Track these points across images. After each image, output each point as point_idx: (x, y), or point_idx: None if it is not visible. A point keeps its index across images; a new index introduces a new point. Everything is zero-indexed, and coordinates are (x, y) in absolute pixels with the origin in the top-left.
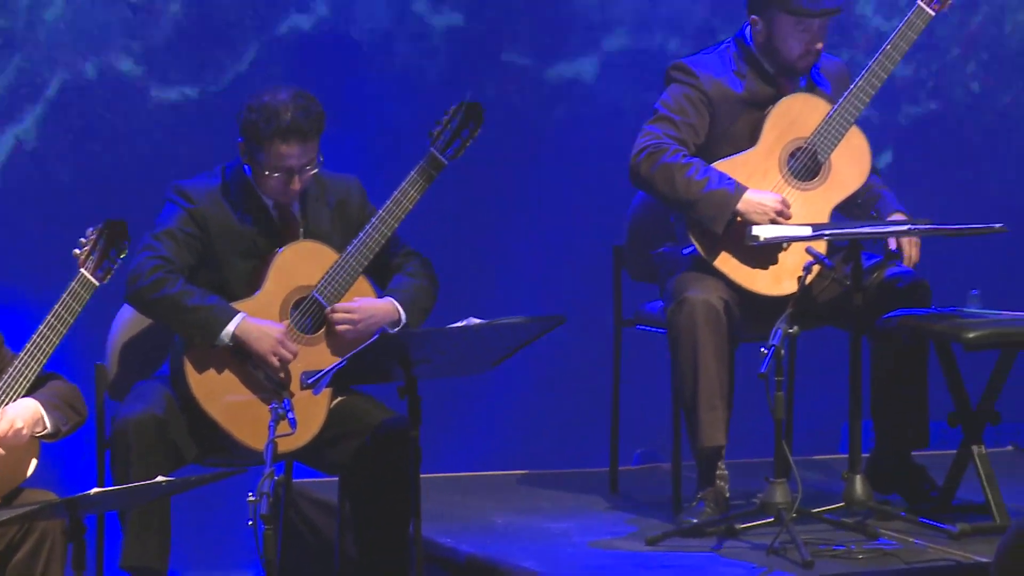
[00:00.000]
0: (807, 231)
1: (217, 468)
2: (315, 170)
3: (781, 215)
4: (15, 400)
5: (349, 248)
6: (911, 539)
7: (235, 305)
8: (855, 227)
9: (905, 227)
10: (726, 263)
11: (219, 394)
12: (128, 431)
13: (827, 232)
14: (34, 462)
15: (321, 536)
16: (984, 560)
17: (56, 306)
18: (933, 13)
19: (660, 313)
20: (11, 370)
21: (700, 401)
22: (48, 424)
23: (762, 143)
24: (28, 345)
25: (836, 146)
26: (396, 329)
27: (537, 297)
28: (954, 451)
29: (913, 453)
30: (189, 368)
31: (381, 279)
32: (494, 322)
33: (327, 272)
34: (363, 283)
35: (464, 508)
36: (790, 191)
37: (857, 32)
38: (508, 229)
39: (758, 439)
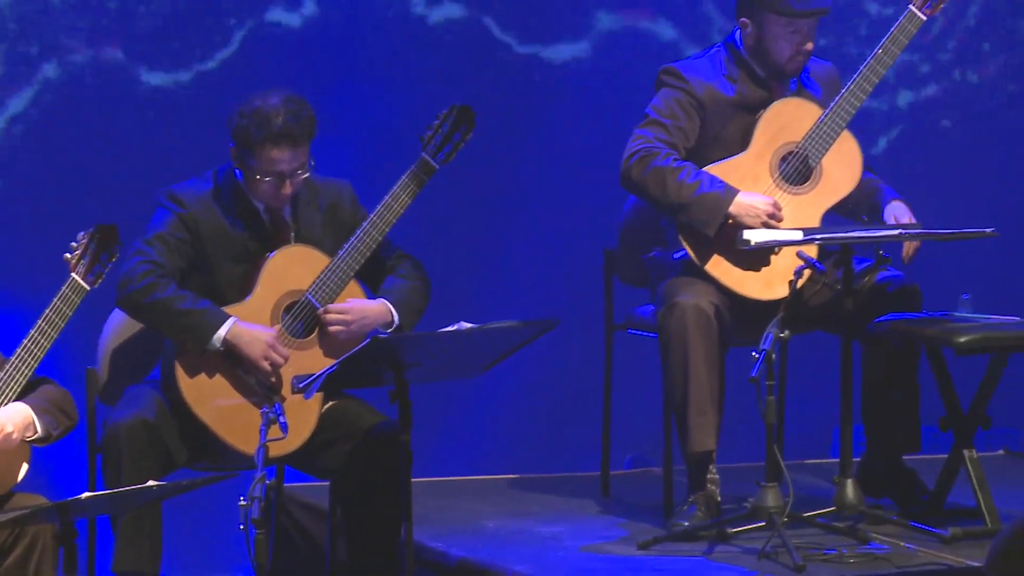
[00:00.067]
0: (798, 235)
1: (208, 472)
2: (306, 174)
3: (773, 217)
4: (6, 404)
5: (340, 252)
6: (902, 543)
7: (226, 309)
8: (846, 232)
9: (896, 231)
10: (717, 267)
11: (210, 398)
12: (119, 435)
13: (818, 236)
14: (25, 466)
15: (312, 540)
16: (976, 564)
17: (47, 310)
18: (924, 18)
19: (651, 317)
20: (2, 374)
21: (690, 405)
22: (39, 428)
23: (753, 147)
24: (19, 350)
25: (827, 150)
26: (389, 330)
27: (528, 301)
28: (945, 455)
29: (904, 457)
30: (180, 372)
31: (373, 282)
32: (485, 326)
33: (319, 275)
34: (354, 287)
35: (455, 512)
36: (781, 195)
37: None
38: (499, 233)
39: (749, 443)
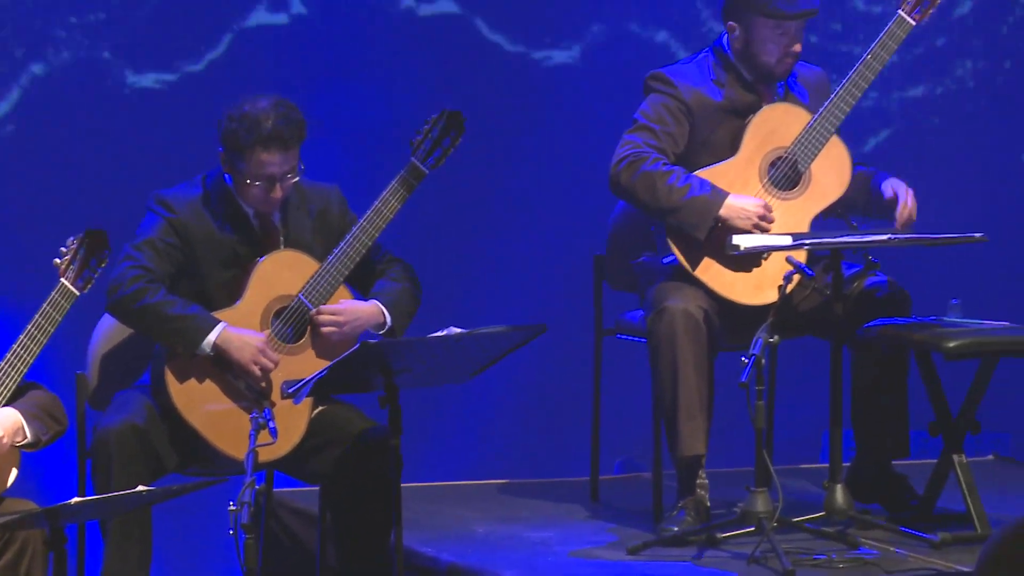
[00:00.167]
0: (787, 240)
1: (198, 478)
2: (296, 178)
3: (764, 219)
4: None
5: (330, 257)
6: (892, 548)
7: (216, 315)
8: (835, 237)
9: (886, 236)
10: (706, 272)
11: (200, 403)
12: (109, 441)
13: (807, 242)
14: (14, 472)
15: (302, 545)
16: (965, 569)
17: (36, 316)
18: (914, 23)
19: (640, 322)
20: None
21: (680, 410)
22: (28, 434)
23: (742, 152)
24: (8, 355)
25: (816, 155)
26: (381, 332)
27: (518, 306)
28: (935, 460)
29: (894, 462)
30: (170, 378)
31: (363, 286)
32: (475, 331)
33: (309, 279)
34: (344, 292)
35: (445, 517)
36: (770, 200)
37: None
38: (489, 238)
39: (739, 448)
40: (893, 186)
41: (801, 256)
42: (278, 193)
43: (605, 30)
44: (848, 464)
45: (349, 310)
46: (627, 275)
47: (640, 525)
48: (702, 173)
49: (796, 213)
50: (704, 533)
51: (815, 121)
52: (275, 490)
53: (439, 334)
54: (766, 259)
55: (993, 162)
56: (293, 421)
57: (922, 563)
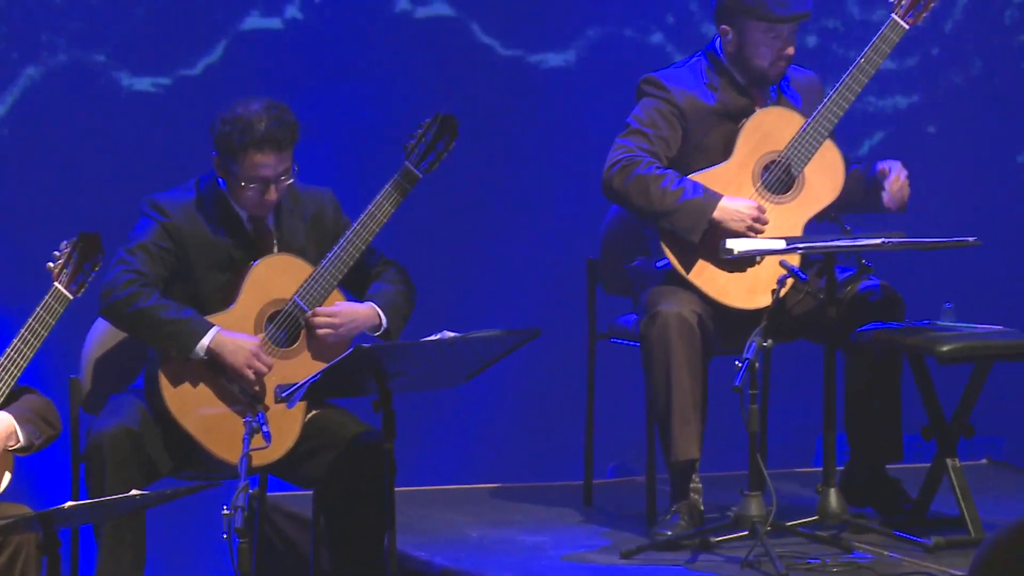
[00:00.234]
0: (781, 244)
1: (192, 482)
2: (290, 180)
3: (758, 221)
4: None
5: (324, 261)
6: (885, 552)
7: (209, 319)
8: (829, 240)
9: (879, 240)
10: (700, 276)
11: (194, 407)
12: (102, 445)
13: (801, 245)
14: (8, 476)
15: (295, 549)
16: (959, 573)
17: (30, 320)
18: (907, 27)
19: (634, 326)
20: None
21: (673, 414)
22: (21, 438)
23: (736, 156)
24: (2, 359)
25: (809, 160)
26: (377, 333)
27: (511, 310)
28: (928, 464)
29: (887, 466)
30: (164, 381)
31: (358, 290)
32: (468, 335)
33: (303, 283)
34: (337, 296)
35: (438, 521)
36: (764, 204)
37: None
38: (483, 242)
39: (732, 452)
40: (887, 163)
41: (795, 260)
42: (273, 195)
43: (600, 33)
44: (842, 468)
45: (345, 312)
46: (621, 279)
47: (634, 529)
48: (696, 177)
49: (790, 217)
50: (698, 537)
51: (808, 125)
52: (269, 494)
53: (433, 338)
54: (759, 263)
55: (987, 166)
56: (287, 425)
57: (916, 567)
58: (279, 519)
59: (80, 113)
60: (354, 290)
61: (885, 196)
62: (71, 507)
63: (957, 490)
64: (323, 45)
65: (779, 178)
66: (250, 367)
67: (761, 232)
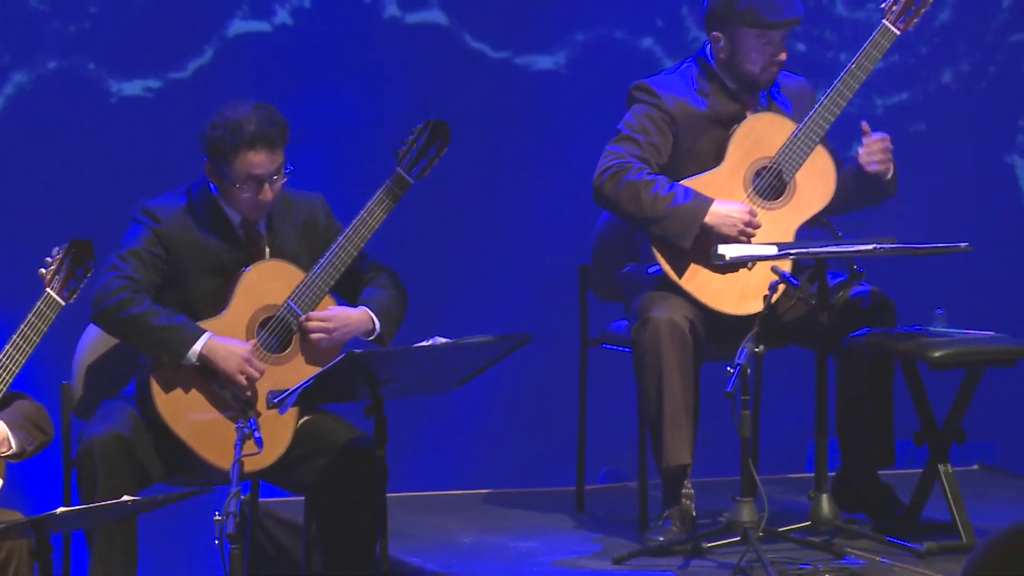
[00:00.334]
0: (772, 250)
1: (183, 487)
2: (283, 179)
3: (749, 225)
4: None
5: (316, 267)
6: (877, 558)
7: (201, 324)
8: (820, 246)
9: (871, 246)
10: (691, 282)
11: (185, 413)
12: (94, 450)
13: (792, 251)
14: (0, 482)
15: (287, 555)
16: None
17: (22, 326)
18: (898, 32)
19: (625, 332)
20: None
21: (665, 420)
22: (13, 444)
23: (727, 162)
24: None
25: (801, 165)
26: (370, 338)
27: (503, 316)
28: (920, 470)
29: (879, 472)
30: (155, 387)
31: (350, 295)
32: (460, 341)
33: (295, 288)
34: (329, 301)
35: (430, 527)
36: (755, 210)
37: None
38: (474, 248)
39: (724, 458)
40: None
41: (786, 266)
42: (267, 195)
43: (590, 37)
44: (833, 474)
45: (339, 316)
46: (612, 285)
47: (626, 535)
48: (687, 183)
49: (781, 223)
50: (690, 543)
51: (800, 131)
52: (260, 500)
53: (424, 344)
54: (751, 269)
55: (979, 170)
56: (279, 431)
57: (908, 572)
58: (271, 525)
59: (70, 118)
60: (346, 295)
61: (861, 152)
62: (63, 513)
63: (949, 496)
64: (313, 49)
65: (770, 184)
66: (242, 373)
67: (753, 236)
